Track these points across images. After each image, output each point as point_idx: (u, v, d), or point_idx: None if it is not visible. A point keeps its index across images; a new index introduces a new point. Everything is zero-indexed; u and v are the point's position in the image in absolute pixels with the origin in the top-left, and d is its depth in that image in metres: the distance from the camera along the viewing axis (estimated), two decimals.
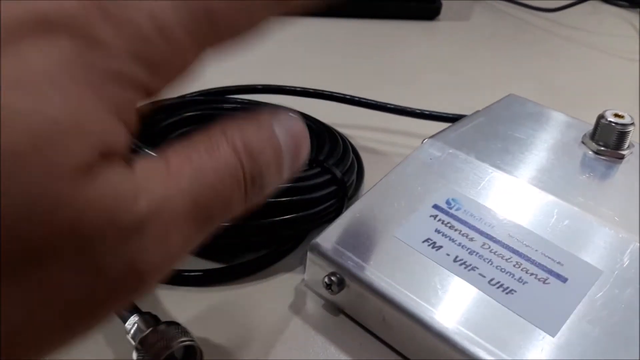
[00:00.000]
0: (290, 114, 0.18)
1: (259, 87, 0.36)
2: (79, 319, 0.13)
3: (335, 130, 0.32)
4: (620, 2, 0.68)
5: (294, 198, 0.26)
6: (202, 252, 0.26)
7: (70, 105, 0.12)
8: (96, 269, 0.13)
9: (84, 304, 0.13)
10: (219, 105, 0.33)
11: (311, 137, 0.30)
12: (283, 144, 0.17)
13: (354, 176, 0.30)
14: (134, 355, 0.20)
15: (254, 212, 0.25)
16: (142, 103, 0.14)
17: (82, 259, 0.12)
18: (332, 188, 0.27)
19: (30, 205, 0.12)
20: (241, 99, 0.34)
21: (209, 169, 0.15)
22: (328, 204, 0.27)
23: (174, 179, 0.14)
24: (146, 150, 0.24)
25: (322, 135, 0.31)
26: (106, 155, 0.13)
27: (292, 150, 0.18)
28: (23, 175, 0.11)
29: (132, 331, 0.20)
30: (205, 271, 0.25)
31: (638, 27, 0.63)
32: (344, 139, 0.32)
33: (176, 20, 0.14)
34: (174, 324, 0.21)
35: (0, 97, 0.11)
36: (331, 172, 0.27)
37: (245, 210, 0.17)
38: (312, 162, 0.28)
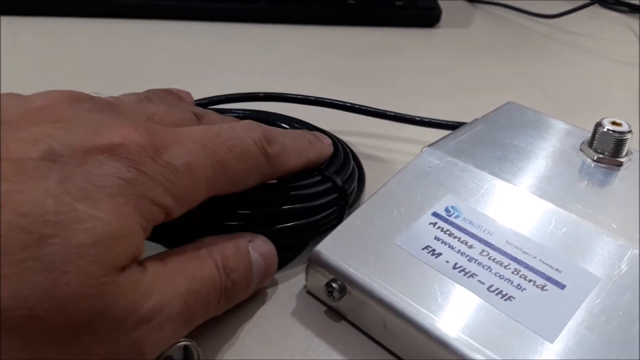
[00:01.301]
0: (264, 239, 0.24)
1: (261, 94, 0.37)
2: None
3: (336, 138, 0.33)
4: (621, 8, 0.69)
5: (295, 206, 0.26)
6: None
7: (121, 217, 0.17)
8: (117, 344, 0.17)
9: None
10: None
11: None
12: (254, 265, 0.22)
13: (355, 184, 0.30)
14: None
15: (256, 220, 0.26)
16: (162, 221, 0.19)
17: (108, 335, 0.16)
18: (333, 196, 0.28)
19: (80, 287, 0.15)
20: (243, 109, 0.34)
21: (198, 279, 0.20)
22: (329, 211, 0.28)
23: (174, 283, 0.19)
24: None
25: None
26: (134, 258, 0.17)
27: (261, 270, 0.23)
28: (83, 266, 0.15)
29: None
30: None
31: (638, 32, 0.63)
32: (344, 147, 0.32)
33: (203, 170, 0.20)
34: None
35: (68, 204, 0.16)
36: (332, 181, 0.28)
37: (215, 315, 0.21)
38: (313, 170, 0.28)
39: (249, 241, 0.23)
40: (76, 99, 0.20)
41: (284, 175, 0.25)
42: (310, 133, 0.28)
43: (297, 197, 0.27)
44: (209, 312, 0.21)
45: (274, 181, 0.27)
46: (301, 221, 0.27)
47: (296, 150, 0.25)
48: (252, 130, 0.22)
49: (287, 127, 0.33)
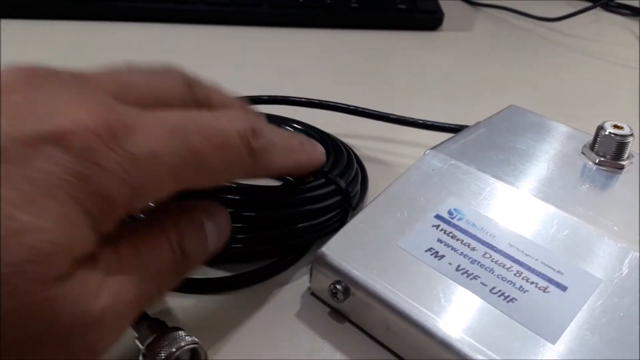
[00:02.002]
0: (217, 206, 0.22)
1: (265, 97, 0.37)
2: None
3: (340, 141, 0.33)
4: (622, 11, 0.69)
5: (299, 208, 0.27)
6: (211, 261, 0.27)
7: (67, 224, 0.15)
8: (72, 350, 0.16)
9: None
10: None
11: None
12: (209, 235, 0.21)
13: (358, 186, 0.30)
14: (141, 358, 0.21)
15: (260, 222, 0.26)
16: (122, 217, 0.17)
17: (61, 345, 0.16)
18: (337, 198, 0.28)
19: (22, 306, 0.14)
20: None
21: (152, 265, 0.18)
22: (332, 214, 0.28)
23: (126, 271, 0.17)
24: None
25: (327, 146, 0.31)
26: (79, 262, 0.16)
27: (216, 239, 0.21)
28: (22, 285, 0.14)
29: (139, 335, 0.21)
30: (212, 279, 0.26)
31: (639, 35, 0.63)
32: (348, 150, 0.32)
33: (170, 160, 0.17)
34: (180, 329, 0.21)
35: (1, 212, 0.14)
36: (335, 183, 0.28)
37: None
38: (317, 172, 0.28)
39: (203, 209, 0.21)
40: (34, 75, 0.17)
41: (271, 175, 0.24)
42: (304, 137, 0.26)
43: (301, 199, 0.27)
44: (163, 293, 0.20)
45: (279, 183, 0.28)
46: (305, 223, 0.27)
47: (285, 149, 0.23)
48: (238, 120, 0.20)
49: (291, 129, 0.33)
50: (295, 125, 0.33)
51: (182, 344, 0.20)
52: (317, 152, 0.26)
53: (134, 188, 0.16)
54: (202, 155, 0.18)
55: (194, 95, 0.21)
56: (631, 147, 0.29)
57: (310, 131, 0.33)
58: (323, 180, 0.28)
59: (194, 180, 0.19)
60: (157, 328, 0.21)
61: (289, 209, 0.27)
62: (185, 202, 0.21)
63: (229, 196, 0.26)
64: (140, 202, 0.17)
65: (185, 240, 0.20)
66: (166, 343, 0.20)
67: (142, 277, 0.18)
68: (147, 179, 0.17)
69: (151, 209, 0.20)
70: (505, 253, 0.24)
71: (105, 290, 0.16)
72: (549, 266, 0.23)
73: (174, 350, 0.20)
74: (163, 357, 0.20)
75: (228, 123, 0.20)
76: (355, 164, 0.31)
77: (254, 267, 0.27)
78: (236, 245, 0.26)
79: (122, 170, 0.16)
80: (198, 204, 0.21)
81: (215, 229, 0.21)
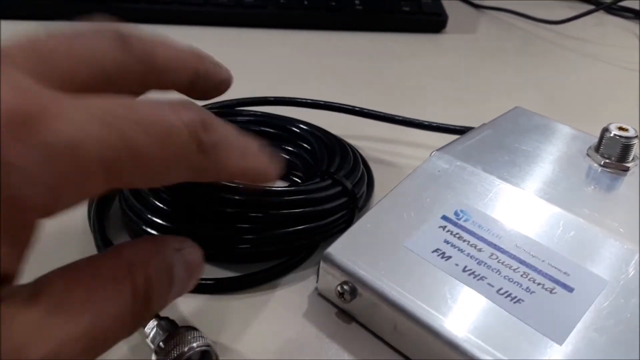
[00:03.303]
0: (192, 246, 0.19)
1: (271, 99, 0.37)
2: None
3: (346, 142, 0.33)
4: (625, 14, 0.69)
5: (306, 209, 0.27)
6: (216, 259, 0.27)
7: None
8: None
9: None
10: (232, 118, 0.34)
11: (322, 150, 0.31)
12: (176, 279, 0.18)
13: (364, 188, 0.31)
14: (153, 357, 0.21)
15: (267, 223, 0.26)
16: (40, 221, 0.14)
17: None
18: (343, 200, 0.28)
19: None
20: (254, 111, 0.35)
21: (108, 314, 0.15)
22: (339, 215, 0.28)
23: (73, 322, 0.14)
24: None
25: (333, 148, 0.32)
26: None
27: (182, 283, 0.18)
28: None
29: (151, 335, 0.21)
30: (219, 279, 0.26)
31: None
32: (354, 151, 0.33)
33: (97, 152, 0.14)
34: (191, 328, 0.21)
35: None
36: (342, 184, 0.28)
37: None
38: (324, 174, 0.29)
39: (176, 249, 0.18)
40: None
41: (224, 178, 0.20)
42: (262, 143, 0.21)
43: (308, 200, 0.27)
44: (114, 344, 0.16)
45: (285, 186, 0.28)
46: (311, 224, 0.27)
47: (242, 149, 0.19)
48: (185, 109, 0.16)
49: (298, 130, 0.33)
50: (302, 126, 0.33)
51: (195, 344, 0.20)
52: (271, 165, 0.21)
53: (49, 187, 0.13)
54: (139, 147, 0.15)
55: (132, 55, 0.18)
56: (636, 150, 0.29)
57: (316, 132, 0.33)
58: (330, 182, 0.28)
59: (130, 178, 0.15)
60: (168, 327, 0.21)
61: (296, 209, 0.27)
62: (156, 238, 0.19)
63: (236, 197, 0.26)
64: (61, 203, 0.14)
65: (153, 287, 0.17)
66: (179, 343, 0.20)
67: (91, 330, 0.14)
68: (67, 174, 0.14)
69: (120, 243, 0.18)
70: (511, 254, 0.24)
71: (45, 340, 0.13)
72: (555, 267, 0.23)
73: (185, 350, 0.20)
74: (175, 356, 0.20)
75: (172, 111, 0.16)
76: (362, 166, 0.32)
77: (262, 268, 0.27)
78: (243, 246, 0.26)
79: (33, 165, 0.13)
80: (170, 241, 0.18)
81: (184, 275, 0.18)
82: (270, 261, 0.27)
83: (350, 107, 0.37)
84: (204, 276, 0.26)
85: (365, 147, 0.37)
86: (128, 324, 0.16)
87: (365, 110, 0.37)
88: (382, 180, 0.33)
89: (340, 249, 0.25)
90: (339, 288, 0.24)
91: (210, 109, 0.35)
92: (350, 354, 0.23)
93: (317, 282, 0.26)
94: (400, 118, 0.37)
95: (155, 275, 0.17)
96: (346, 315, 0.25)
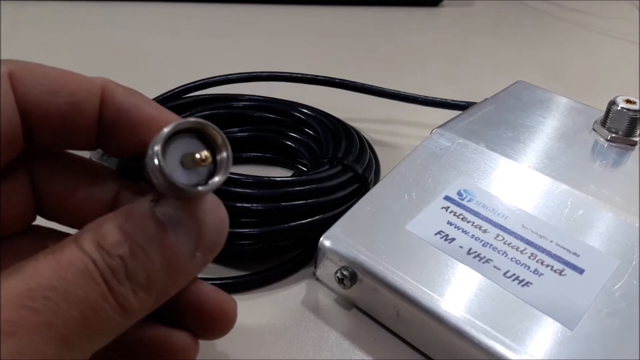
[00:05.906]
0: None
1: (264, 74, 0.36)
2: None
3: (351, 127, 0.32)
4: None
5: (320, 199, 0.25)
6: (226, 260, 0.26)
7: None
8: None
9: None
10: (233, 103, 0.32)
11: (327, 135, 0.30)
12: (167, 222, 0.14)
13: (373, 173, 0.29)
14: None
15: (283, 215, 0.24)
16: None
17: None
18: (355, 186, 0.27)
19: None
20: (254, 96, 0.33)
21: (44, 273, 0.13)
22: (351, 202, 0.26)
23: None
24: None
25: (338, 132, 0.30)
26: None
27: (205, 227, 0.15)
28: None
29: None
30: (225, 279, 0.25)
31: None
32: (359, 135, 0.31)
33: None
34: None
35: None
36: (353, 170, 0.27)
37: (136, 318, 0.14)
38: (332, 160, 0.27)
39: (153, 200, 0.14)
40: None
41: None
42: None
43: (320, 189, 0.26)
44: (103, 316, 0.13)
45: (296, 176, 0.26)
46: (326, 214, 0.25)
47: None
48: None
49: (302, 116, 0.32)
50: (305, 110, 0.32)
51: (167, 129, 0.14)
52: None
53: None
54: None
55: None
56: None
57: (320, 116, 0.32)
58: (340, 168, 0.27)
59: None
60: None
61: (309, 199, 0.25)
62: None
63: (249, 191, 0.24)
64: None
65: (114, 236, 0.14)
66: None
67: (26, 292, 0.13)
68: None
69: None
70: (518, 235, 0.23)
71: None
72: (564, 248, 0.22)
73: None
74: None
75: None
76: (368, 149, 0.30)
77: (273, 264, 0.25)
78: (245, 242, 0.25)
79: None
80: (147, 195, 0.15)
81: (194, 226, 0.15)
82: (284, 254, 0.26)
83: (350, 83, 0.35)
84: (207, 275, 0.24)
85: (362, 128, 0.36)
86: (95, 287, 0.13)
87: (366, 86, 0.35)
88: (382, 161, 0.32)
89: (338, 233, 0.24)
90: (338, 274, 0.23)
91: (201, 85, 0.33)
92: (351, 341, 0.22)
93: (315, 267, 0.25)
94: (401, 93, 0.35)
95: (120, 227, 0.14)
96: (346, 302, 0.24)
